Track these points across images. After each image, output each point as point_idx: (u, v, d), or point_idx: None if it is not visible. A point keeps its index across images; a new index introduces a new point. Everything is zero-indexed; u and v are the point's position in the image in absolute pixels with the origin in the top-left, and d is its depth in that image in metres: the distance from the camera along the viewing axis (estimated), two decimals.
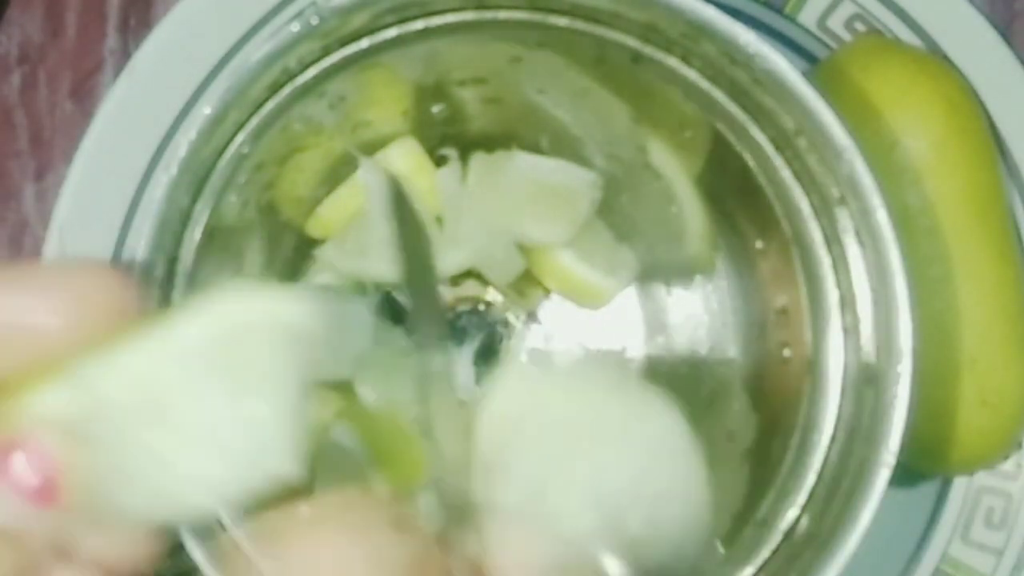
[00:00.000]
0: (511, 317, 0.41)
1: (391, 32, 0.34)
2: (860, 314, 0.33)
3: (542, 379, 0.19)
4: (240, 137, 0.33)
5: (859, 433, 0.32)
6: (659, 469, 0.20)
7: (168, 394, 0.19)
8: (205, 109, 0.31)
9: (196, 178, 0.33)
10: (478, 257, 0.40)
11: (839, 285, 0.33)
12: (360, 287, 0.41)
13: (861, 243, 0.32)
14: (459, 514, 0.21)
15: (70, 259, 0.20)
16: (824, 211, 0.33)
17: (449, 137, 0.40)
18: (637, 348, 0.41)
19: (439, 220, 0.39)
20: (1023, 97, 0.41)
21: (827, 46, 0.42)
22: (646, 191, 0.40)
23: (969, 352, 0.37)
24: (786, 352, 0.35)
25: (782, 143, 0.33)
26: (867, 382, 0.32)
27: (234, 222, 0.35)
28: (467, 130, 0.40)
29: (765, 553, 0.32)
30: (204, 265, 0.34)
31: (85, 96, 0.44)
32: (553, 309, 0.41)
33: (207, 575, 0.31)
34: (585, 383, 0.19)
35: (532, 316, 0.41)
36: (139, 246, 0.32)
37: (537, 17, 0.34)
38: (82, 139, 0.41)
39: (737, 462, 0.37)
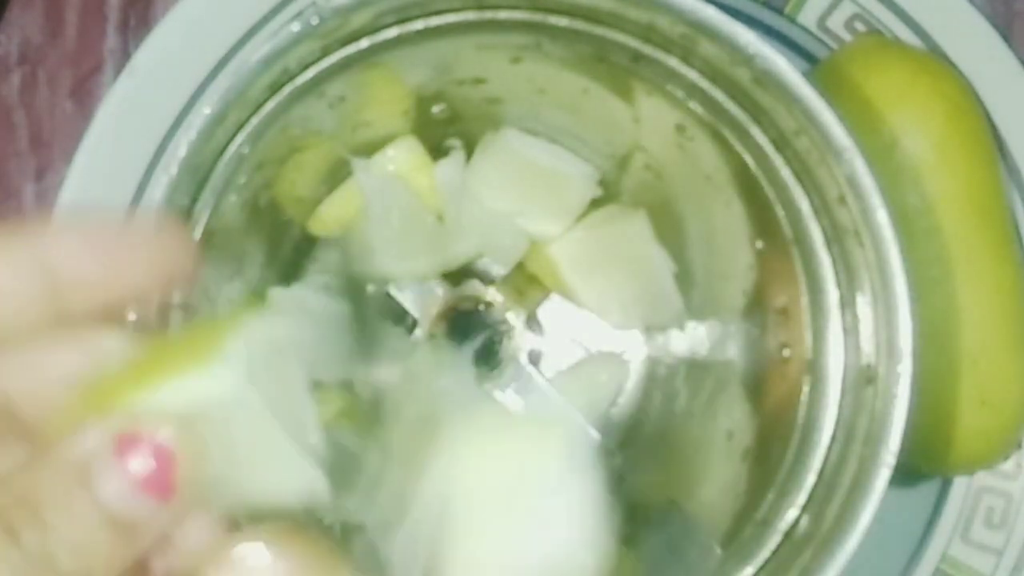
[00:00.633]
0: (511, 317, 0.41)
1: (391, 32, 0.34)
2: (860, 314, 0.33)
3: (483, 437, 0.20)
4: (240, 137, 0.33)
5: (859, 433, 0.32)
6: (558, 543, 0.21)
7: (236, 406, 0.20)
8: (205, 109, 0.31)
9: (196, 178, 0.33)
10: (484, 244, 0.40)
11: (839, 285, 0.33)
12: (360, 287, 0.41)
13: (861, 243, 0.32)
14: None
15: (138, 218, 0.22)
16: (824, 211, 0.33)
17: (449, 137, 0.40)
18: (637, 348, 0.41)
19: (440, 216, 0.39)
20: (1023, 97, 0.41)
21: (827, 46, 0.42)
22: (648, 191, 0.40)
23: (969, 352, 0.37)
24: (786, 352, 0.35)
25: (782, 143, 0.33)
26: (867, 382, 0.32)
27: (234, 222, 0.35)
28: (467, 130, 0.40)
29: (765, 553, 0.32)
30: (204, 265, 0.34)
31: (85, 96, 0.44)
32: (553, 309, 0.41)
33: None
34: (516, 445, 0.20)
35: (532, 316, 0.41)
36: None
37: (537, 17, 0.34)
38: (82, 139, 0.41)
39: (737, 462, 0.37)
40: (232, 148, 0.33)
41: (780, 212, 0.34)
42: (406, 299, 0.41)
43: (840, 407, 0.33)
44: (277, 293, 0.38)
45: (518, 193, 0.39)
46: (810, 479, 0.33)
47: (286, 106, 0.34)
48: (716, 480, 0.38)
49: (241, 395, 0.20)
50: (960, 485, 0.41)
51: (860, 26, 0.42)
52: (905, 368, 0.30)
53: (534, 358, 0.41)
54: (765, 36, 0.33)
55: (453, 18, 0.34)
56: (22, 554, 0.18)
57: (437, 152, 0.40)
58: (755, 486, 0.35)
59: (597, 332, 0.41)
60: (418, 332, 0.41)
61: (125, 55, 0.43)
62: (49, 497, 0.19)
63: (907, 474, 0.37)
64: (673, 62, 0.34)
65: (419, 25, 0.34)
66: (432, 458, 0.21)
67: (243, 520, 0.21)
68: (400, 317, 0.41)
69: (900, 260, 0.31)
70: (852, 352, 0.33)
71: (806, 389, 0.34)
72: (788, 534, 0.32)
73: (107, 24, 0.44)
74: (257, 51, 0.31)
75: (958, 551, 0.41)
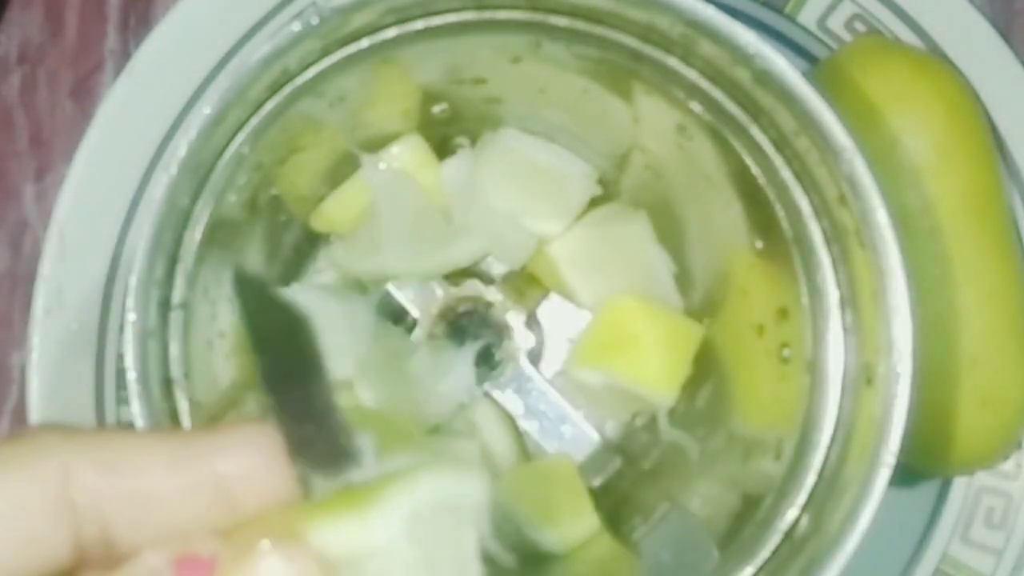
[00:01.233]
0: (511, 317, 0.41)
1: (391, 32, 0.34)
2: (860, 314, 0.33)
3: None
4: (240, 137, 0.33)
5: (859, 433, 0.32)
6: None
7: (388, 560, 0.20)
8: (205, 109, 0.31)
9: (196, 178, 0.33)
10: (492, 244, 0.40)
11: (839, 285, 0.33)
12: (360, 287, 0.41)
13: (861, 243, 0.32)
14: None
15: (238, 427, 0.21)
16: (824, 211, 0.33)
17: (448, 137, 0.40)
18: None
19: (446, 215, 0.40)
20: (1023, 97, 0.41)
21: (827, 46, 0.42)
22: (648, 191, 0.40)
23: (969, 352, 0.37)
24: (786, 352, 0.35)
25: (782, 143, 0.33)
26: (867, 382, 0.32)
27: (235, 221, 0.35)
28: (467, 130, 0.40)
29: (765, 553, 0.32)
30: (204, 265, 0.34)
31: (85, 96, 0.44)
32: (553, 309, 0.41)
33: None
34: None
35: (532, 316, 0.41)
36: (139, 246, 0.32)
37: (537, 17, 0.34)
38: (82, 139, 0.41)
39: (737, 462, 0.37)
40: (232, 148, 0.33)
41: (780, 212, 0.34)
42: (406, 299, 0.41)
43: (840, 407, 0.33)
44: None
45: (518, 192, 0.39)
46: (810, 479, 0.33)
47: (286, 106, 0.34)
48: (717, 480, 0.38)
49: (395, 547, 0.20)
50: (960, 485, 0.41)
51: (860, 26, 0.42)
52: (905, 368, 0.30)
53: (534, 358, 0.41)
54: (765, 36, 0.33)
55: (453, 18, 0.34)
56: None
57: (438, 152, 0.40)
58: (755, 486, 0.35)
59: None
60: (418, 332, 0.41)
61: (125, 55, 0.43)
62: None
63: (907, 474, 0.37)
64: (673, 62, 0.34)
65: (419, 25, 0.34)
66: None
67: None
68: (400, 317, 0.41)
69: (900, 260, 0.31)
70: (852, 352, 0.33)
71: (806, 389, 0.34)
72: (788, 534, 0.32)
73: (107, 24, 0.44)
74: (257, 51, 0.31)
75: (958, 551, 0.41)
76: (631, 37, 0.34)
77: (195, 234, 0.33)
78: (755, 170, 0.34)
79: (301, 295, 0.39)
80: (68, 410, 0.41)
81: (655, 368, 0.38)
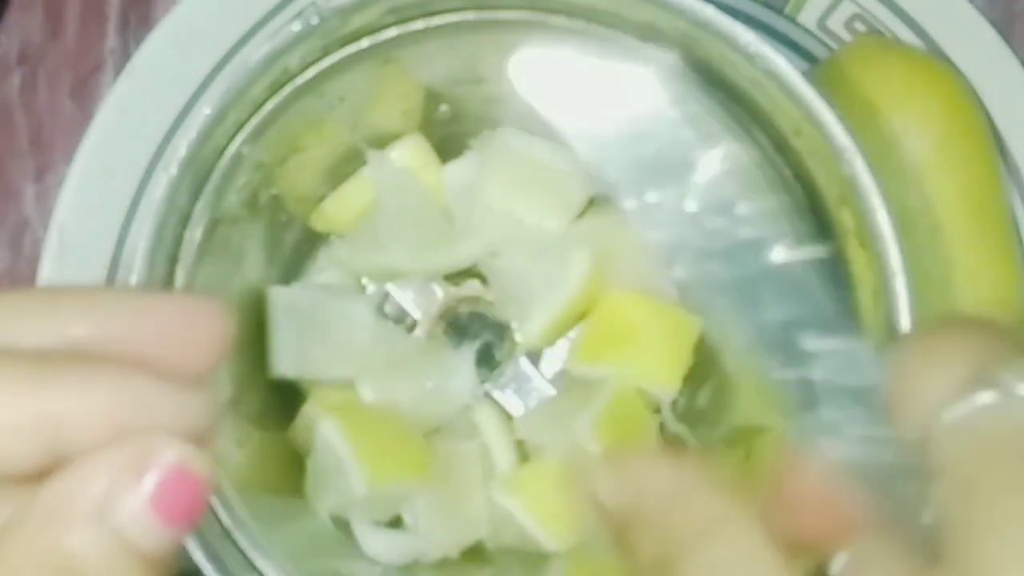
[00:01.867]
0: (511, 317, 0.41)
1: (391, 32, 0.34)
2: (860, 314, 0.33)
3: None
4: (240, 137, 0.33)
5: None
6: None
7: None
8: (205, 109, 0.31)
9: (196, 178, 0.33)
10: (494, 244, 0.39)
11: (839, 285, 0.33)
12: (360, 287, 0.41)
13: (861, 243, 0.32)
14: None
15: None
16: (824, 211, 0.33)
17: (448, 137, 0.40)
18: None
19: (447, 214, 0.40)
20: (1023, 97, 0.41)
21: (827, 46, 0.42)
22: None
23: None
24: None
25: (782, 143, 0.33)
26: None
27: (235, 221, 0.35)
28: (467, 130, 0.40)
29: None
30: (204, 265, 0.34)
31: (85, 96, 0.44)
32: None
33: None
34: None
35: None
36: (139, 246, 0.32)
37: (537, 17, 0.34)
38: (82, 139, 0.41)
39: (737, 462, 0.37)
40: (232, 148, 0.33)
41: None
42: (406, 299, 0.41)
43: None
44: (277, 291, 0.38)
45: (518, 191, 0.39)
46: None
47: (286, 106, 0.34)
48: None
49: None
50: None
51: (860, 26, 0.42)
52: None
53: (534, 358, 0.41)
54: (765, 36, 0.33)
55: (453, 18, 0.34)
56: None
57: (438, 151, 0.40)
58: (755, 486, 0.35)
59: None
60: (418, 332, 0.41)
61: (125, 55, 0.43)
62: (68, 534, 0.19)
63: None
64: (673, 62, 0.34)
65: (419, 25, 0.34)
66: None
67: None
68: (400, 317, 0.41)
69: (900, 260, 0.31)
70: None
71: None
72: None
73: (107, 24, 0.44)
74: (257, 51, 0.31)
75: None
76: (631, 37, 0.34)
77: (195, 234, 0.33)
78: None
79: (301, 295, 0.39)
80: None
81: (655, 361, 0.38)
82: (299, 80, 0.33)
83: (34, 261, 0.41)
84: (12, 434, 0.19)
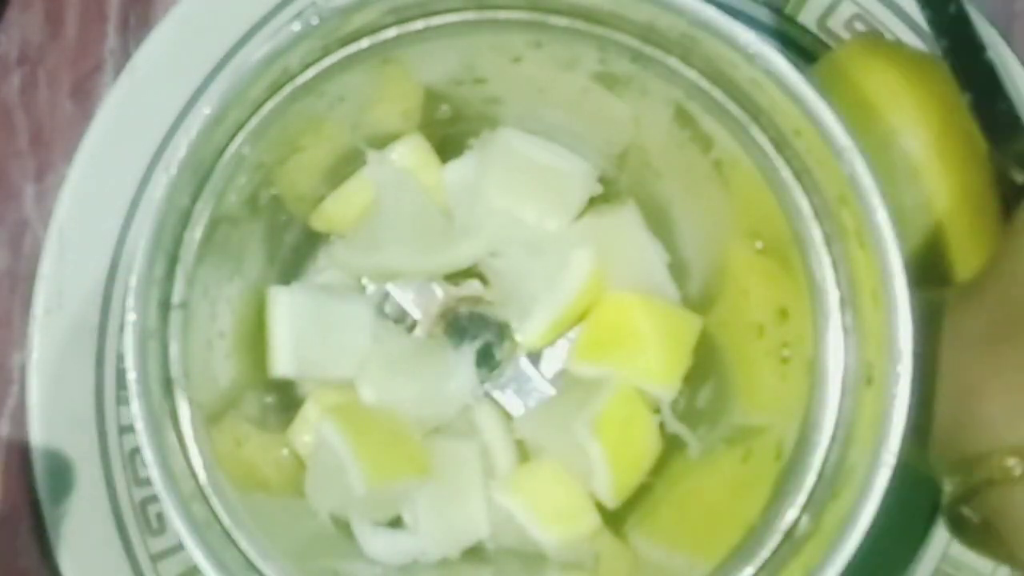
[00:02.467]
0: (511, 317, 0.41)
1: (391, 32, 0.34)
2: (860, 314, 0.33)
3: None
4: (240, 137, 0.33)
5: (859, 433, 0.32)
6: None
7: None
8: (205, 109, 0.31)
9: (196, 178, 0.33)
10: (492, 244, 0.40)
11: (839, 285, 0.33)
12: (360, 287, 0.41)
13: (861, 243, 0.32)
14: None
15: None
16: (824, 211, 0.33)
17: (448, 137, 0.40)
18: None
19: (447, 214, 0.40)
20: (1023, 97, 0.41)
21: (827, 46, 0.42)
22: (648, 190, 0.40)
23: None
24: (786, 352, 0.35)
25: (782, 143, 0.33)
26: (867, 382, 0.32)
27: (235, 221, 0.35)
28: (467, 130, 0.40)
29: (765, 553, 0.32)
30: (204, 265, 0.34)
31: (85, 96, 0.44)
32: None
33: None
34: None
35: None
36: (139, 246, 0.32)
37: (537, 17, 0.34)
38: (82, 139, 0.41)
39: (736, 463, 0.37)
40: (232, 148, 0.33)
41: (780, 212, 0.34)
42: (406, 299, 0.41)
43: (840, 407, 0.33)
44: (277, 291, 0.38)
45: (518, 191, 0.39)
46: (810, 479, 0.33)
47: (286, 106, 0.34)
48: (717, 481, 0.38)
49: None
50: None
51: (860, 26, 0.42)
52: (905, 368, 0.30)
53: (534, 358, 0.41)
54: (765, 36, 0.33)
55: (453, 18, 0.34)
56: None
57: (438, 151, 0.40)
58: (756, 486, 0.35)
59: None
60: (418, 332, 0.41)
61: (125, 55, 0.43)
62: None
63: (907, 474, 0.37)
64: (673, 62, 0.34)
65: (419, 25, 0.34)
66: None
67: None
68: (400, 317, 0.41)
69: (900, 260, 0.31)
70: (852, 352, 0.33)
71: (806, 389, 0.34)
72: (788, 534, 0.32)
73: (107, 24, 0.44)
74: (257, 51, 0.31)
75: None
76: (631, 37, 0.34)
77: (195, 234, 0.33)
78: (755, 170, 0.34)
79: (301, 295, 0.39)
80: (68, 410, 0.41)
81: (655, 361, 0.38)
82: (299, 80, 0.33)
83: (34, 261, 0.41)
84: None
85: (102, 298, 0.41)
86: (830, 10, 0.42)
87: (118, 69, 0.42)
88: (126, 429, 0.41)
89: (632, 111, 0.37)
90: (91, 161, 0.41)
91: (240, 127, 0.33)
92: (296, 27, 0.31)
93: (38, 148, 0.44)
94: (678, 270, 0.40)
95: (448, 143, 0.40)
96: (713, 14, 0.31)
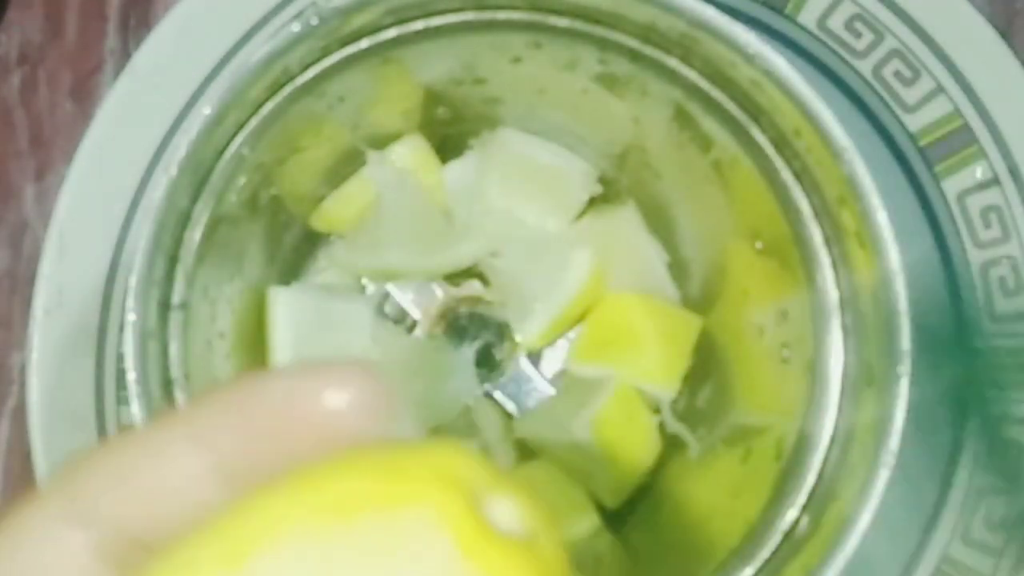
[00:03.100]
0: (511, 317, 0.41)
1: (391, 32, 0.34)
2: (860, 314, 0.33)
3: None
4: (240, 137, 0.33)
5: (859, 433, 0.32)
6: None
7: None
8: (205, 109, 0.31)
9: (196, 178, 0.33)
10: (492, 244, 0.40)
11: (839, 285, 0.33)
12: (360, 287, 0.41)
13: (861, 243, 0.32)
14: None
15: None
16: (824, 211, 0.33)
17: (448, 137, 0.40)
18: None
19: (447, 215, 0.40)
20: (1023, 97, 0.41)
21: (827, 46, 0.42)
22: (646, 191, 0.40)
23: None
24: (786, 352, 0.35)
25: (782, 143, 0.33)
26: (867, 382, 0.32)
27: (235, 221, 0.35)
28: (467, 130, 0.40)
29: (765, 553, 0.32)
30: (204, 265, 0.34)
31: (85, 96, 0.44)
32: None
33: None
34: None
35: None
36: (139, 246, 0.32)
37: (537, 17, 0.34)
38: (82, 139, 0.41)
39: (736, 463, 0.37)
40: (232, 148, 0.33)
41: (780, 212, 0.34)
42: (406, 299, 0.41)
43: (840, 407, 0.33)
44: (277, 291, 0.38)
45: (518, 191, 0.39)
46: (810, 479, 0.33)
47: (286, 106, 0.34)
48: (717, 481, 0.38)
49: None
50: (960, 485, 0.41)
51: (860, 26, 0.42)
52: (905, 368, 0.30)
53: (534, 358, 0.41)
54: (765, 36, 0.33)
55: (453, 18, 0.34)
56: None
57: (438, 152, 0.40)
58: (756, 487, 0.35)
59: None
60: (418, 332, 0.41)
61: (125, 55, 0.43)
62: None
63: (907, 474, 0.37)
64: (673, 62, 0.34)
65: (419, 25, 0.34)
66: None
67: None
68: (400, 317, 0.41)
69: (900, 260, 0.31)
70: (852, 352, 0.33)
71: (806, 389, 0.34)
72: (788, 534, 0.32)
73: (107, 24, 0.44)
74: (257, 51, 0.31)
75: (958, 551, 0.41)
76: (631, 37, 0.34)
77: (195, 234, 0.33)
78: (755, 170, 0.34)
79: (301, 295, 0.39)
80: (68, 410, 0.41)
81: (655, 361, 0.38)
82: (299, 80, 0.33)
83: (34, 261, 0.41)
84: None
85: (102, 298, 0.41)
86: (830, 10, 0.42)
87: (118, 69, 0.42)
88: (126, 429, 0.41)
89: (632, 111, 0.37)
90: (91, 161, 0.41)
91: (240, 127, 0.33)
92: (296, 27, 0.31)
93: (38, 148, 0.44)
94: (678, 270, 0.40)
95: (448, 143, 0.40)
96: (713, 14, 0.31)
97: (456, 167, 0.40)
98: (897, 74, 0.41)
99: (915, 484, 0.41)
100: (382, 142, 0.39)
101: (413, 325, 0.41)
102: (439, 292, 0.41)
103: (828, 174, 0.32)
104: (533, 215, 0.39)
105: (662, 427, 0.39)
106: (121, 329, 0.40)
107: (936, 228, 0.41)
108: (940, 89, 0.41)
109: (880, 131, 0.42)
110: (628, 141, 0.39)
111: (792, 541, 0.32)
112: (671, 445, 0.39)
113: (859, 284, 0.32)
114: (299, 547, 0.16)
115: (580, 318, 0.40)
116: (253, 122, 0.33)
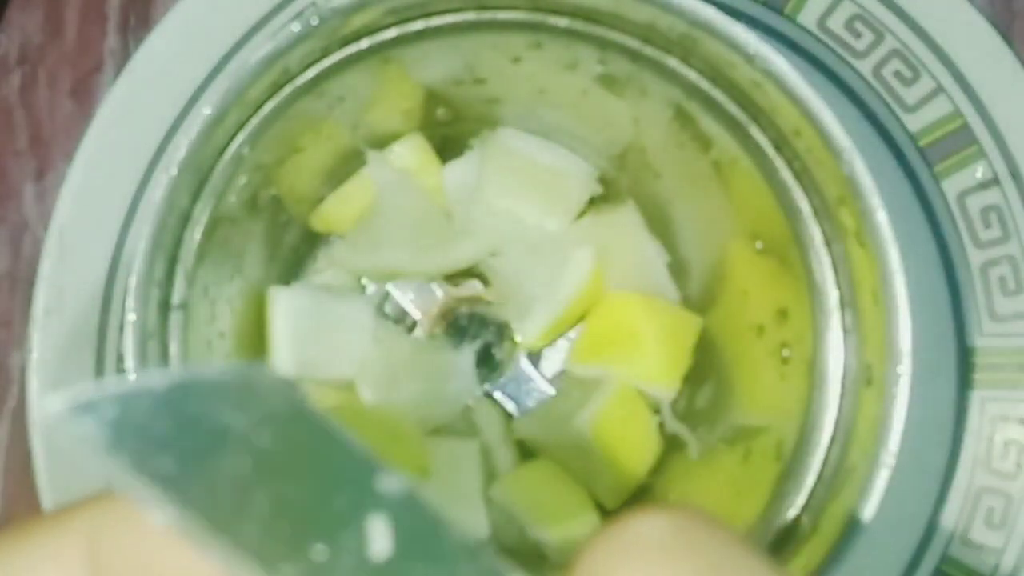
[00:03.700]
0: (511, 317, 0.41)
1: (391, 32, 0.34)
2: (860, 314, 0.33)
3: None
4: (240, 137, 0.33)
5: (859, 433, 0.32)
6: None
7: None
8: (205, 109, 0.31)
9: (196, 178, 0.33)
10: (492, 244, 0.40)
11: (839, 285, 0.33)
12: (360, 287, 0.41)
13: (861, 243, 0.32)
14: None
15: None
16: (824, 211, 0.33)
17: (448, 137, 0.40)
18: None
19: (448, 215, 0.40)
20: (1023, 97, 0.41)
21: (827, 46, 0.42)
22: (646, 191, 0.40)
23: None
24: (786, 352, 0.35)
25: (782, 143, 0.33)
26: (867, 382, 0.32)
27: (235, 221, 0.35)
28: (467, 130, 0.40)
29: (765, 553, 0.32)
30: (204, 265, 0.34)
31: (85, 96, 0.44)
32: None
33: None
34: None
35: None
36: (139, 246, 0.32)
37: (537, 17, 0.34)
38: (82, 139, 0.41)
39: (736, 463, 0.37)
40: (232, 148, 0.33)
41: (780, 212, 0.34)
42: (406, 299, 0.41)
43: (840, 407, 0.33)
44: (277, 291, 0.38)
45: (518, 191, 0.39)
46: (810, 479, 0.33)
47: (286, 106, 0.34)
48: (717, 481, 0.38)
49: None
50: (960, 485, 0.41)
51: (860, 26, 0.42)
52: (905, 368, 0.30)
53: (534, 358, 0.41)
54: (765, 36, 0.33)
55: (453, 18, 0.34)
56: None
57: (438, 152, 0.40)
58: (755, 487, 0.35)
59: None
60: (418, 332, 0.41)
61: (125, 55, 0.43)
62: None
63: (907, 474, 0.37)
64: (673, 62, 0.34)
65: (419, 25, 0.34)
66: None
67: None
68: (400, 317, 0.41)
69: (900, 260, 0.31)
70: (852, 352, 0.33)
71: (806, 389, 0.34)
72: (788, 534, 0.32)
73: (107, 24, 0.44)
74: (257, 51, 0.31)
75: (958, 551, 0.41)
76: (631, 37, 0.34)
77: (195, 234, 0.33)
78: (755, 170, 0.34)
79: (301, 295, 0.39)
80: None
81: (655, 361, 0.38)
82: (299, 80, 0.33)
83: (34, 261, 0.41)
84: None
85: (102, 298, 0.41)
86: (830, 10, 0.42)
87: (118, 69, 0.42)
88: None
89: (632, 111, 0.37)
90: (91, 161, 0.41)
91: (240, 127, 0.33)
92: (296, 27, 0.31)
93: (38, 148, 0.44)
94: (678, 270, 0.40)
95: (448, 143, 0.40)
96: (713, 14, 0.31)
97: (456, 167, 0.40)
98: (897, 74, 0.41)
99: (915, 483, 0.41)
100: (382, 142, 0.39)
101: (413, 325, 0.41)
102: (439, 292, 0.41)
103: (828, 174, 0.32)
104: (533, 215, 0.39)
105: (662, 427, 0.39)
106: (121, 329, 0.40)
107: (936, 228, 0.41)
108: (940, 89, 0.41)
109: (880, 131, 0.42)
110: (628, 141, 0.39)
111: (792, 541, 0.32)
112: (671, 445, 0.39)
113: (859, 284, 0.32)
114: None
115: (580, 318, 0.40)
116: (253, 122, 0.33)
